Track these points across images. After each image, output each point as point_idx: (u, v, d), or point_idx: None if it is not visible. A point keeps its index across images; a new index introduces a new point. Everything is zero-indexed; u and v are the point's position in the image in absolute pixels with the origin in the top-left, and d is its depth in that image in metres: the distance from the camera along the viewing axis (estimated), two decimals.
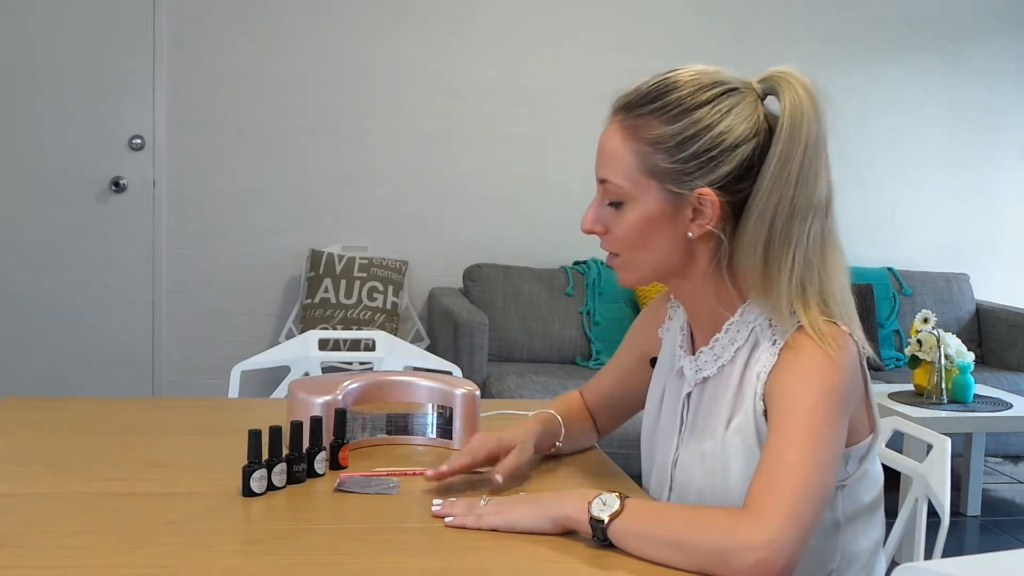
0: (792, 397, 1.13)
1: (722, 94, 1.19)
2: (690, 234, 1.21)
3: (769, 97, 1.22)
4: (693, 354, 1.31)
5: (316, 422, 1.37)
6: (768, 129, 1.19)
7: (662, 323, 1.43)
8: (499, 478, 1.29)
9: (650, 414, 1.40)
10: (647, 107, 1.20)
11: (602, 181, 1.24)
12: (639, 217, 1.21)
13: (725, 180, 1.18)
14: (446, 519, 1.19)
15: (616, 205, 1.23)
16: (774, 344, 1.19)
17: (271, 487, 1.28)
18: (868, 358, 1.22)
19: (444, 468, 1.31)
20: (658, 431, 1.37)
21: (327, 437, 1.40)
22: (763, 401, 1.19)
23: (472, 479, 1.38)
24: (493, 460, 1.34)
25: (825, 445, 1.10)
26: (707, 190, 1.18)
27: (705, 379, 1.28)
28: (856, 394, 1.19)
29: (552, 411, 1.47)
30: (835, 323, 1.18)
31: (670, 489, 1.32)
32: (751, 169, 1.18)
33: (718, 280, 1.24)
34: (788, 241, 1.16)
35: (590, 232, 1.26)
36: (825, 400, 1.12)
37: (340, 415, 1.41)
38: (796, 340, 1.17)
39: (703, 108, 1.18)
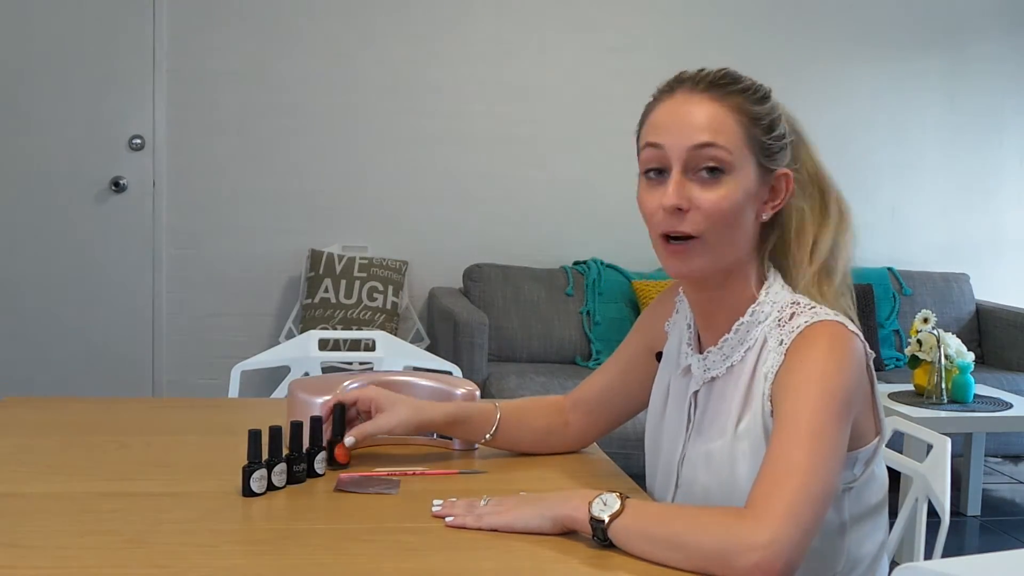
0: (796, 398, 1.13)
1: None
2: (764, 216, 1.24)
3: None
4: (700, 352, 1.31)
5: (316, 422, 1.36)
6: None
7: (668, 317, 1.42)
8: (349, 440, 1.38)
9: (655, 410, 1.39)
10: (735, 86, 1.22)
11: (705, 145, 1.18)
12: (738, 188, 1.20)
13: (791, 165, 1.25)
14: (446, 519, 1.19)
15: (713, 173, 1.18)
16: (781, 344, 1.19)
17: (271, 487, 1.28)
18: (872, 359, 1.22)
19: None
20: (664, 428, 1.36)
21: (327, 437, 1.39)
22: (770, 402, 1.18)
23: (472, 481, 1.38)
24: (365, 411, 1.42)
25: (828, 446, 1.09)
26: (787, 170, 1.23)
27: (713, 378, 1.28)
28: (861, 395, 1.18)
29: (495, 404, 1.48)
30: (840, 322, 1.18)
31: (676, 487, 1.32)
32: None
33: (759, 268, 1.27)
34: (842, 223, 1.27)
35: (677, 207, 1.18)
36: (829, 401, 1.12)
37: (339, 410, 1.41)
38: (802, 340, 1.17)
39: (772, 97, 1.24)
